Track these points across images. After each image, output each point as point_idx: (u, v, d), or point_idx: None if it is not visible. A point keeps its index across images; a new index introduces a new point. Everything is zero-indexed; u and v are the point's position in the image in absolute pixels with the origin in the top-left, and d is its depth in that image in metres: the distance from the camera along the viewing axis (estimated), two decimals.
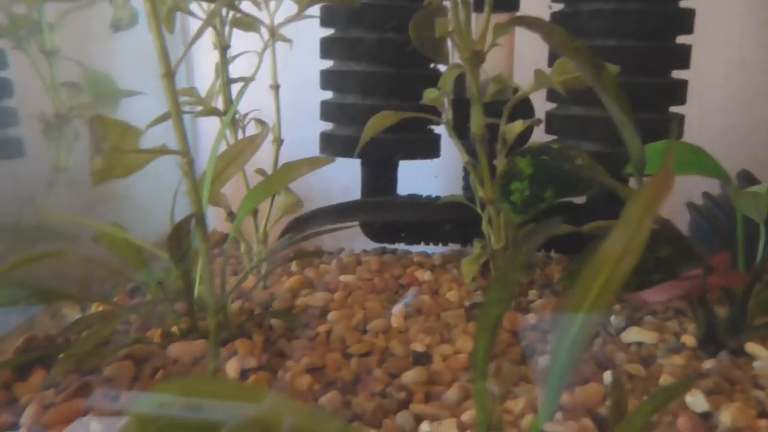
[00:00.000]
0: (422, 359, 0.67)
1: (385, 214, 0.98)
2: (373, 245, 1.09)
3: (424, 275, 0.94)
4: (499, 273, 0.46)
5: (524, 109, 0.89)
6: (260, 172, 0.84)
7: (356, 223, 0.94)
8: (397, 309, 0.79)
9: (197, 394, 0.36)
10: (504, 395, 0.59)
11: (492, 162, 0.78)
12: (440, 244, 1.05)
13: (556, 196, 0.59)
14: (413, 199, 1.00)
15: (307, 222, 0.97)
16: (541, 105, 0.95)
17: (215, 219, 1.20)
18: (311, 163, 0.72)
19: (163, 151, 0.53)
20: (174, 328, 0.70)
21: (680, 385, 0.46)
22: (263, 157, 0.86)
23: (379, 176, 1.00)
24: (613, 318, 0.74)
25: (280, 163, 0.81)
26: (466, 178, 0.97)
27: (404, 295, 0.84)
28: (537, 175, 0.60)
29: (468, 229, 0.93)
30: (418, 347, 0.69)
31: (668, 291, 0.57)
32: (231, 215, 0.84)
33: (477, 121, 0.76)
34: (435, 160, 1.00)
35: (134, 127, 0.52)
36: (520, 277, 0.78)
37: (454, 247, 1.09)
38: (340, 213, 0.96)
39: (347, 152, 0.95)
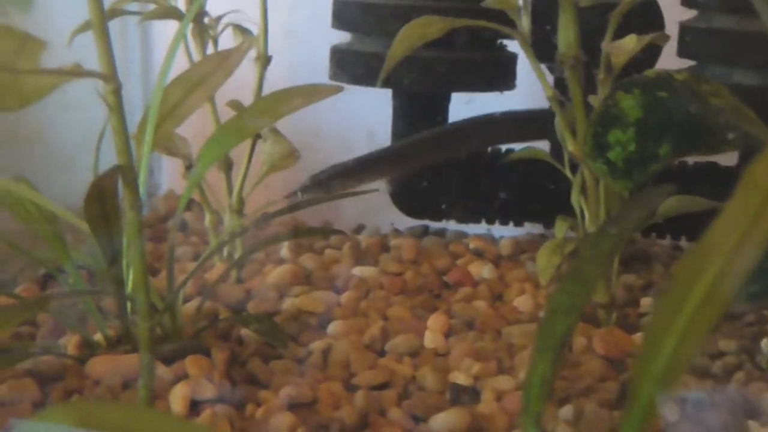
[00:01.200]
0: (465, 396, 0.68)
1: (427, 169, 0.99)
2: (409, 222, 1.10)
3: (483, 270, 0.94)
4: (574, 267, 0.46)
5: (645, 17, 0.87)
6: (234, 105, 0.85)
7: (374, 186, 0.94)
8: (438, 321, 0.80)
9: (106, 430, 0.38)
10: None
11: (589, 99, 0.77)
12: (512, 224, 1.05)
13: (676, 152, 0.59)
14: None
15: (325, 184, 0.98)
16: (673, 13, 0.94)
17: (172, 175, 1.23)
18: (310, 93, 0.73)
19: (75, 72, 0.54)
20: (98, 335, 0.73)
21: None
22: (243, 83, 0.88)
23: (419, 117, 1.00)
24: (764, 344, 0.73)
25: (266, 93, 0.82)
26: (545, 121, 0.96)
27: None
28: (648, 121, 0.59)
29: (553, 201, 0.93)
30: (460, 378, 0.70)
31: None
32: (190, 169, 0.86)
33: (567, 34, 0.75)
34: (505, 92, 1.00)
35: (35, 38, 0.54)
36: (606, 273, 0.77)
37: (534, 228, 1.08)
38: (362, 170, 0.98)
39: (370, 78, 0.96)
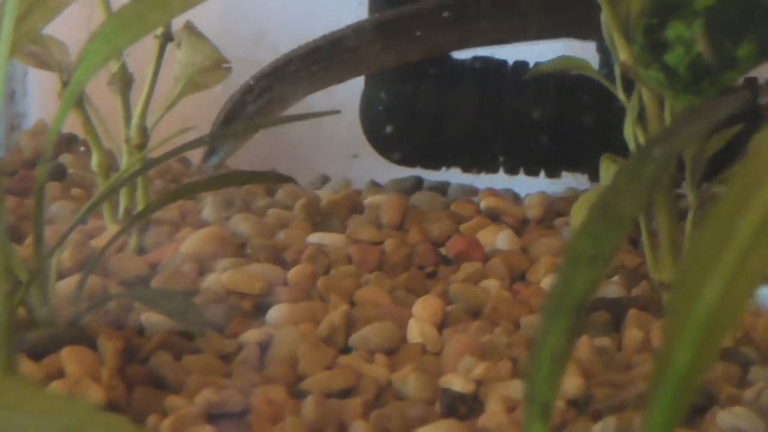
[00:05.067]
0: (462, 406, 0.72)
1: (417, 89, 1.01)
2: (395, 172, 1.13)
3: (499, 239, 0.98)
4: (603, 199, 0.50)
5: None
6: None
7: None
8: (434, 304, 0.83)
9: None
10: None
11: None
12: (543, 174, 1.08)
13: (762, 54, 0.62)
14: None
15: (268, 91, 1.01)
16: None
17: (43, 99, 1.26)
18: None
19: None
20: None
21: None
22: None
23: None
24: None
25: None
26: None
27: None
28: (723, 8, 0.62)
29: (601, 138, 0.97)
30: (456, 383, 0.74)
31: None
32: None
33: None
34: None
35: None
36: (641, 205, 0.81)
37: (576, 180, 1.11)
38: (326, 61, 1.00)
39: None
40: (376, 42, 0.99)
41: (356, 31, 0.99)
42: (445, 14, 0.98)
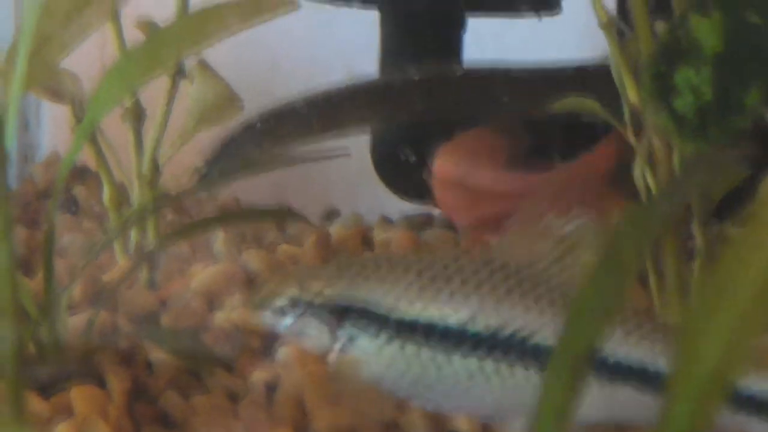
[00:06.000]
0: None
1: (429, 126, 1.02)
2: (406, 207, 1.13)
3: None
4: (608, 249, 0.50)
5: None
6: (145, 25, 0.88)
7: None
8: None
9: None
10: None
11: (655, 26, 0.81)
12: None
13: None
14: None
15: (263, 137, 1.01)
16: None
17: (56, 130, 1.26)
18: (253, 9, 0.76)
19: None
20: None
21: None
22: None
23: (418, 48, 1.04)
24: None
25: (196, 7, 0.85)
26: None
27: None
28: (731, 55, 0.63)
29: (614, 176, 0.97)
30: (463, 425, 0.74)
31: None
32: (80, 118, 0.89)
33: None
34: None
35: None
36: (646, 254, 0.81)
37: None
38: (331, 115, 1.01)
39: None
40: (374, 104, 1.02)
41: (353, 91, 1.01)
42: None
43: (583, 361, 0.48)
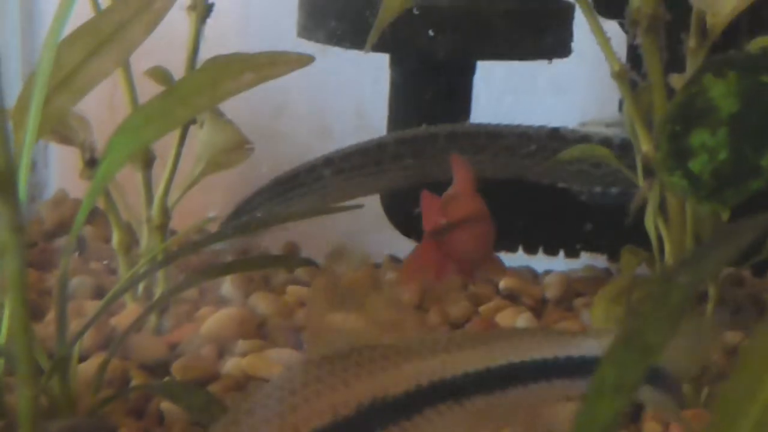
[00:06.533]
0: None
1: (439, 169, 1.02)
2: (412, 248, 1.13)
3: (518, 322, 0.97)
4: (630, 327, 0.50)
5: None
6: (156, 74, 0.89)
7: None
8: None
9: None
10: None
11: (669, 79, 0.81)
12: (562, 254, 1.08)
13: None
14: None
15: (286, 192, 1.02)
16: None
17: (62, 169, 1.26)
18: (268, 64, 0.76)
19: None
20: None
21: None
22: (172, 41, 0.91)
23: (428, 95, 1.04)
24: None
25: (205, 58, 0.86)
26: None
27: None
28: (747, 118, 0.63)
29: (621, 223, 0.97)
30: None
31: None
32: (92, 163, 0.90)
33: None
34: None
35: None
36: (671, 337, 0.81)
37: (595, 260, 1.11)
38: (348, 174, 1.01)
39: (356, 37, 1.00)
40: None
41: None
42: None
43: None
